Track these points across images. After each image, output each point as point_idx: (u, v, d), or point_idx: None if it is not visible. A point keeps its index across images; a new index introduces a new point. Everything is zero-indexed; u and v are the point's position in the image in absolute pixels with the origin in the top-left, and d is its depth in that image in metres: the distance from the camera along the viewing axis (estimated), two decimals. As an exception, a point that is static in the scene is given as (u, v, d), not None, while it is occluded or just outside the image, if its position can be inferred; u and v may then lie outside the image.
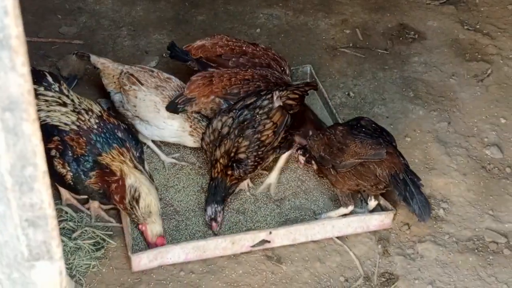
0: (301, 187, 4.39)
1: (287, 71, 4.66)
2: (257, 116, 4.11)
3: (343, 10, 5.79)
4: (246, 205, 4.30)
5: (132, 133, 3.97)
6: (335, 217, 4.10)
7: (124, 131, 3.89)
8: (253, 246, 3.99)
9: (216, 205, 4.07)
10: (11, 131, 1.34)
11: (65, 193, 4.14)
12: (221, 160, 4.08)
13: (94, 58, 4.52)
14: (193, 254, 3.94)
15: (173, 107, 4.31)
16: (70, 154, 3.74)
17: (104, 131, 3.82)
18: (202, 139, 4.20)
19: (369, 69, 5.29)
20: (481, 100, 5.05)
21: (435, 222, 4.25)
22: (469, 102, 5.05)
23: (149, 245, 3.95)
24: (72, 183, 3.79)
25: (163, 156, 4.48)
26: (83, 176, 3.76)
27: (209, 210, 4.07)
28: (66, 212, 4.13)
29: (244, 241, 3.98)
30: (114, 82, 4.46)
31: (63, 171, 3.76)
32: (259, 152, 4.12)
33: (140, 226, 3.92)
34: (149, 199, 3.81)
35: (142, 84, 4.34)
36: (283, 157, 4.36)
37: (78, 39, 5.37)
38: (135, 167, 3.83)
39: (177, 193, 4.34)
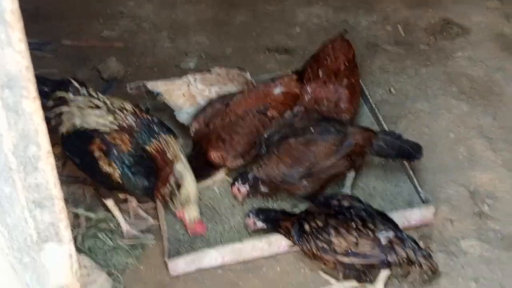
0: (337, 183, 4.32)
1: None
2: None
3: (385, 7, 5.71)
4: (283, 205, 4.25)
5: (167, 126, 3.94)
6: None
7: (158, 124, 3.87)
8: (290, 246, 3.94)
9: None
10: (11, 110, 1.33)
11: (124, 225, 4.09)
12: None
13: (151, 84, 4.40)
14: (230, 256, 3.91)
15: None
16: (116, 153, 3.72)
17: (142, 126, 3.81)
18: None
19: (411, 66, 5.19)
20: (527, 95, 4.91)
21: (479, 218, 4.12)
22: (515, 96, 4.91)
23: (188, 231, 3.95)
24: (120, 181, 3.76)
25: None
26: (130, 174, 3.74)
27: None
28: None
29: (281, 241, 3.93)
30: (184, 96, 4.39)
31: (110, 170, 3.74)
32: None
33: (177, 213, 3.91)
34: (190, 188, 3.82)
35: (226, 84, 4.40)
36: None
37: (119, 42, 5.42)
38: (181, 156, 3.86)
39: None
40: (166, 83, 4.40)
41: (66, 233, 1.49)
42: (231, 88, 4.39)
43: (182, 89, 4.37)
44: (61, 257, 1.51)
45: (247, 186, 4.06)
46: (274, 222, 3.87)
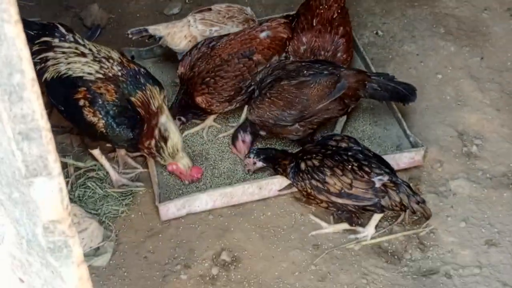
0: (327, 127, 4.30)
1: None
2: None
3: None
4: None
5: (153, 77, 3.90)
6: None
7: (145, 75, 3.83)
8: (280, 190, 3.93)
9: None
10: (-8, 34, 1.28)
11: (113, 174, 4.06)
12: None
13: (153, 29, 4.37)
14: (221, 200, 3.91)
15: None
16: (101, 102, 3.69)
17: (128, 77, 3.76)
18: None
19: (398, 7, 5.13)
20: (514, 34, 4.87)
21: (468, 158, 4.13)
22: (502, 36, 4.87)
23: (185, 180, 3.97)
24: (104, 131, 3.73)
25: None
26: (114, 124, 3.71)
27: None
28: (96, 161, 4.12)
29: (271, 186, 3.92)
30: (185, 38, 4.38)
31: (95, 119, 3.70)
32: None
33: (169, 167, 3.89)
34: (176, 138, 3.81)
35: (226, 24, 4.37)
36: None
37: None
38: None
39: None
40: (168, 26, 4.39)
41: (55, 166, 1.45)
42: (231, 28, 4.36)
43: (183, 31, 4.37)
44: (51, 191, 1.47)
45: (248, 133, 4.05)
46: (274, 160, 3.87)
